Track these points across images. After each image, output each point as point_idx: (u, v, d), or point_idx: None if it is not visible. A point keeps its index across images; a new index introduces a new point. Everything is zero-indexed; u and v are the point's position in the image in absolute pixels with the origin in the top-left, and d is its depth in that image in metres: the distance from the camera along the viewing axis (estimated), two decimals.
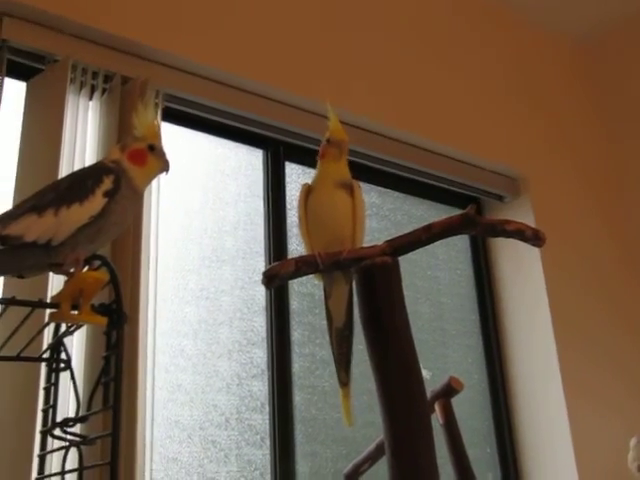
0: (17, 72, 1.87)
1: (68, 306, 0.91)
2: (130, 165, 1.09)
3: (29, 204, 1.01)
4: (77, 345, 1.59)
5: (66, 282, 0.96)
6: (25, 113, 1.83)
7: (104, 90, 1.92)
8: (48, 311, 0.93)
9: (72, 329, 0.98)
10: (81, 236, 1.00)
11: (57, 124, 1.77)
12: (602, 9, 3.23)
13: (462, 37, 2.96)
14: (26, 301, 0.91)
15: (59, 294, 0.92)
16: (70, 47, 1.87)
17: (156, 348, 1.82)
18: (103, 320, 0.90)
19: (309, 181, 1.34)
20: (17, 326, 0.95)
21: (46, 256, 0.98)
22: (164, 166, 1.15)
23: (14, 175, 1.73)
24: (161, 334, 1.95)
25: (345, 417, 1.30)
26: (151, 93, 1.91)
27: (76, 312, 0.90)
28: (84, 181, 1.03)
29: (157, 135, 1.14)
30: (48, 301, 0.92)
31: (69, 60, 1.83)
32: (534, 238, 1.19)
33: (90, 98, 1.91)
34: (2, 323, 0.98)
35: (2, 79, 1.74)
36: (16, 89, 1.87)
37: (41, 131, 1.79)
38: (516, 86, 3.09)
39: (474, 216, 1.18)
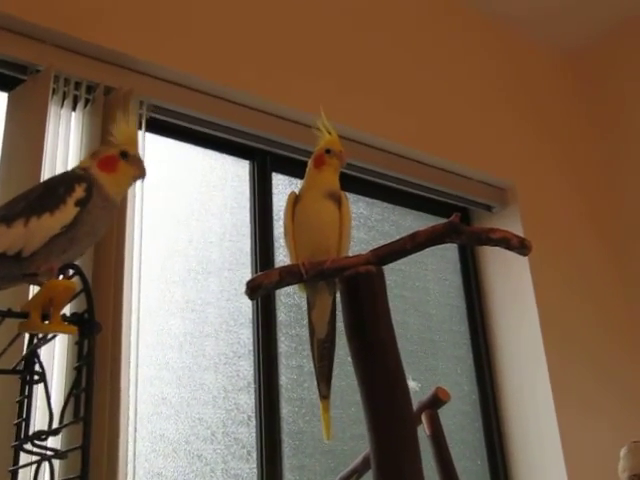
0: None
1: (38, 315, 0.88)
2: (99, 172, 1.07)
3: None
4: (56, 356, 1.56)
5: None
6: (7, 124, 1.81)
7: (87, 101, 1.90)
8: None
9: (45, 340, 0.96)
10: (53, 246, 0.97)
11: (39, 135, 1.75)
12: (592, 21, 3.25)
13: (451, 48, 2.96)
14: None
15: (29, 303, 0.90)
16: (52, 57, 1.85)
17: (141, 361, 1.80)
18: (73, 329, 0.88)
19: (297, 190, 1.33)
20: None
21: (17, 267, 0.96)
22: (139, 173, 1.12)
23: None
24: (146, 347, 1.92)
25: (324, 431, 1.29)
26: (134, 103, 1.89)
27: (47, 322, 0.88)
28: (55, 190, 1.01)
29: (132, 142, 1.12)
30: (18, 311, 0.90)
31: (51, 70, 1.81)
32: (520, 246, 1.17)
33: (73, 109, 1.89)
34: None
35: None
36: None
37: (23, 142, 1.77)
38: (504, 96, 3.09)
39: (458, 224, 1.17)
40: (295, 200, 1.31)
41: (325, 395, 1.30)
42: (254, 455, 2.05)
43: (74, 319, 0.88)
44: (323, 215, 1.28)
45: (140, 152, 1.83)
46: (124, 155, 1.10)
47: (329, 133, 1.33)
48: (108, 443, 1.50)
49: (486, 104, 3.00)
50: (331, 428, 1.28)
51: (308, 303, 1.31)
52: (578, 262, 3.01)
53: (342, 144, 1.32)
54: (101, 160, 1.09)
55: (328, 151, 1.30)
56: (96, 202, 1.03)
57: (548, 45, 3.39)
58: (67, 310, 0.92)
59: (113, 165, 1.08)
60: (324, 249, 1.26)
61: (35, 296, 0.91)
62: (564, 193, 3.13)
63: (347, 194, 2.56)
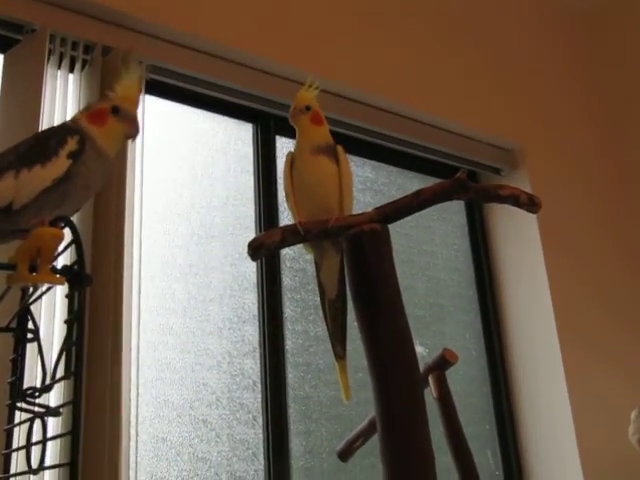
0: None
1: (25, 267, 0.85)
2: (88, 124, 1.04)
3: None
4: (57, 313, 1.54)
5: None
6: (2, 86, 1.76)
7: (84, 62, 1.85)
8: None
9: (37, 295, 0.93)
10: (45, 200, 0.94)
11: (36, 98, 1.71)
12: None
13: (457, 10, 2.89)
14: None
15: (16, 254, 0.87)
16: (48, 16, 1.80)
17: (144, 326, 1.78)
18: (61, 280, 0.85)
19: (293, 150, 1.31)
20: None
21: (7, 221, 0.93)
22: (130, 131, 1.09)
23: None
24: (149, 311, 1.90)
25: (343, 391, 1.28)
26: (133, 63, 1.84)
27: (34, 274, 0.85)
28: (47, 142, 0.98)
29: (129, 99, 1.08)
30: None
31: (47, 29, 1.76)
32: (529, 203, 1.14)
33: (70, 70, 1.84)
34: None
35: None
36: None
37: (19, 105, 1.72)
38: (512, 58, 3.03)
39: (465, 180, 1.14)
40: (292, 160, 1.28)
41: (341, 355, 1.29)
42: (260, 420, 2.04)
43: (64, 271, 0.85)
44: (318, 173, 1.25)
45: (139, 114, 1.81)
46: (115, 110, 1.06)
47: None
48: (110, 408, 1.48)
49: (494, 66, 2.93)
50: (349, 388, 1.26)
51: (316, 264, 1.30)
52: (587, 224, 2.97)
53: (309, 99, 1.31)
54: (90, 113, 1.05)
55: (308, 108, 1.29)
56: (89, 155, 1.00)
57: (559, 7, 3.31)
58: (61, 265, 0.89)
59: (102, 118, 1.05)
60: (325, 207, 1.23)
61: (22, 246, 0.88)
62: (572, 155, 3.08)
63: (353, 157, 2.52)
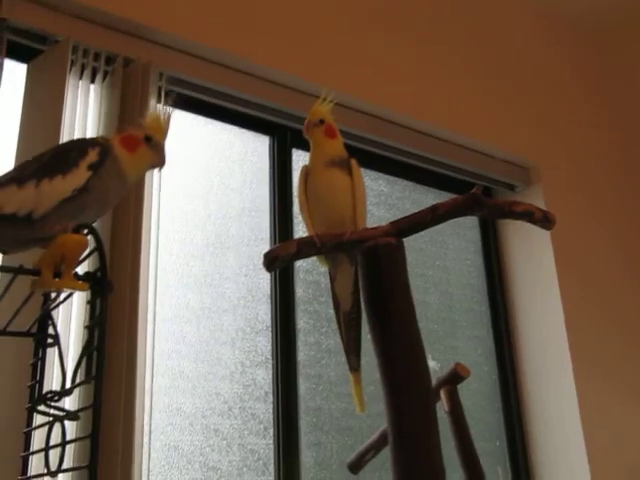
0: (18, 53, 1.84)
1: (50, 272, 0.87)
2: (119, 146, 1.06)
3: (10, 175, 0.98)
4: (73, 319, 1.56)
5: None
6: (25, 96, 1.80)
7: (106, 73, 1.89)
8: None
9: (59, 301, 0.95)
10: (64, 210, 0.96)
11: (57, 107, 1.74)
12: None
13: (474, 26, 2.91)
14: (5, 267, 0.88)
15: (40, 260, 0.89)
16: (71, 28, 1.84)
17: (159, 334, 1.79)
18: (84, 286, 0.87)
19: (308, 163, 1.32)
20: (0, 295, 0.92)
21: (28, 230, 0.95)
22: (158, 161, 1.11)
23: (13, 159, 1.70)
24: (163, 320, 1.92)
25: (357, 404, 1.28)
26: (153, 77, 1.87)
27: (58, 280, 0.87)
28: (68, 153, 1.00)
29: (161, 130, 1.11)
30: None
31: (70, 41, 1.79)
32: (543, 220, 1.15)
33: (92, 81, 1.87)
34: None
35: (2, 60, 1.71)
36: (17, 71, 1.84)
37: (41, 114, 1.75)
38: (527, 75, 3.04)
39: (480, 197, 1.14)
40: (306, 174, 1.30)
41: (355, 367, 1.29)
42: (271, 431, 2.05)
43: (86, 277, 0.87)
44: (332, 186, 1.26)
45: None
46: (148, 139, 1.09)
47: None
48: (124, 414, 1.50)
49: (509, 82, 2.95)
50: (364, 400, 1.27)
51: (330, 275, 1.31)
52: (602, 241, 2.97)
53: (323, 113, 1.31)
54: (124, 137, 1.08)
55: (322, 121, 1.29)
56: (109, 170, 1.02)
57: (573, 23, 3.31)
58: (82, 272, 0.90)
59: (134, 145, 1.07)
60: (339, 220, 1.24)
61: (46, 252, 0.90)
62: (587, 173, 3.08)
63: (368, 171, 2.54)
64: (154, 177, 1.84)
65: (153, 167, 1.14)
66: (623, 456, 2.48)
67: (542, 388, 2.68)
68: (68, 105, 1.78)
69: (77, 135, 1.76)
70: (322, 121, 1.30)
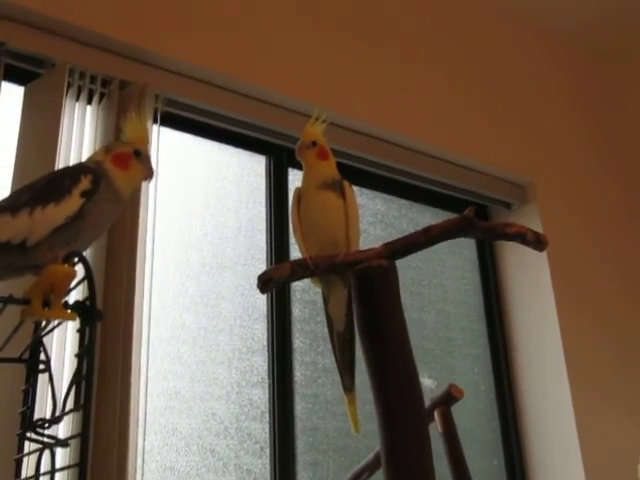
0: (15, 76, 1.87)
1: (39, 302, 0.88)
2: (113, 167, 1.07)
3: (4, 204, 0.99)
4: (67, 346, 1.56)
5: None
6: (22, 118, 1.81)
7: (102, 95, 1.90)
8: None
9: (49, 328, 0.95)
10: (58, 237, 0.97)
11: (54, 129, 1.76)
12: (613, 14, 3.19)
13: (467, 44, 2.93)
14: None
15: (30, 289, 0.90)
16: (68, 51, 1.86)
17: (154, 355, 1.80)
18: (73, 316, 0.88)
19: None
20: None
21: (22, 257, 0.96)
22: (147, 173, 1.13)
23: (10, 181, 1.71)
24: (159, 341, 1.92)
25: (352, 424, 1.28)
26: (149, 97, 1.89)
27: (47, 309, 0.88)
28: (61, 181, 1.01)
29: (145, 141, 1.12)
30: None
31: (67, 64, 1.81)
32: (536, 241, 1.15)
33: (88, 102, 1.89)
34: None
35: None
36: (14, 93, 1.86)
37: (38, 137, 1.77)
38: (523, 93, 3.06)
39: (472, 218, 1.15)
40: (299, 196, 1.30)
41: (350, 388, 1.28)
42: (267, 451, 2.04)
43: (75, 306, 0.88)
44: (325, 208, 1.27)
45: (154, 146, 1.84)
46: (137, 154, 1.10)
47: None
48: (118, 436, 1.50)
49: (503, 101, 2.96)
50: (359, 421, 1.26)
51: (324, 297, 1.31)
52: (598, 259, 2.97)
53: (315, 135, 1.31)
54: (115, 156, 1.08)
55: (314, 143, 1.30)
56: (103, 194, 1.03)
57: (568, 40, 3.34)
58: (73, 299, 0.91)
59: (127, 163, 1.09)
60: (332, 243, 1.25)
61: (36, 282, 0.90)
62: (583, 192, 3.09)
63: (364, 190, 2.54)
64: (149, 197, 1.85)
65: (144, 180, 1.15)
66: (620, 472, 2.47)
67: (539, 406, 2.68)
68: (65, 127, 1.79)
69: (74, 156, 1.78)
70: (314, 143, 1.31)
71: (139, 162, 1.10)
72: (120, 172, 1.07)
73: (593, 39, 3.34)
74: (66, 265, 0.92)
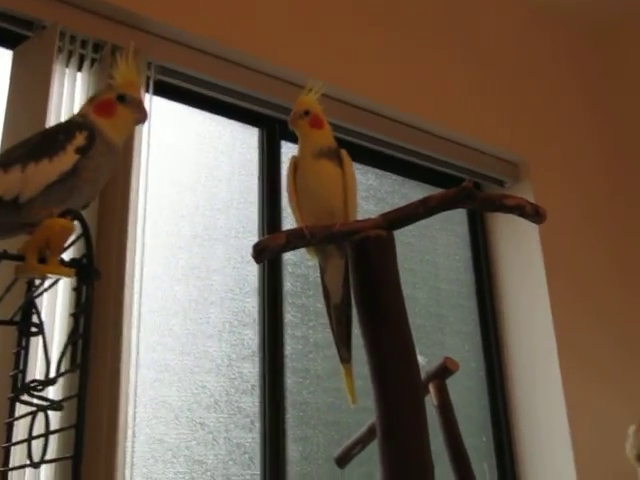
0: (3, 39, 1.82)
1: (34, 258, 0.85)
2: (97, 117, 1.04)
3: None
4: (58, 307, 1.53)
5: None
6: (11, 82, 1.76)
7: (93, 60, 1.86)
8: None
9: (43, 288, 0.93)
10: (52, 194, 0.94)
11: (43, 95, 1.71)
12: None
13: (463, 19, 2.90)
14: None
15: (25, 245, 0.87)
16: (59, 13, 1.80)
17: (144, 326, 1.77)
18: (70, 272, 0.85)
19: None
20: None
21: (15, 215, 0.93)
22: (138, 117, 1.09)
23: None
24: (149, 312, 1.90)
25: (349, 395, 1.27)
26: (142, 63, 1.84)
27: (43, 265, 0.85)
28: (55, 137, 0.98)
29: (131, 84, 1.08)
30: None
31: (57, 26, 1.76)
32: (534, 214, 1.14)
33: (79, 68, 1.84)
34: None
35: None
36: (2, 57, 1.81)
37: (27, 102, 1.72)
38: (518, 70, 3.03)
39: (471, 189, 1.13)
40: (295, 165, 1.28)
41: (346, 359, 1.27)
42: (257, 425, 2.03)
43: (72, 263, 0.85)
44: (322, 177, 1.25)
45: (146, 105, 1.80)
46: (121, 98, 1.06)
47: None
48: (108, 407, 1.48)
49: (500, 78, 2.94)
50: (355, 392, 1.25)
51: (320, 267, 1.29)
52: (588, 238, 2.97)
53: (308, 103, 1.29)
54: (97, 105, 1.05)
55: (307, 112, 1.28)
56: (98, 149, 1.00)
57: (564, 20, 3.31)
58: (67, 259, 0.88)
59: (110, 109, 1.05)
60: (329, 212, 1.23)
61: (31, 237, 0.87)
62: (576, 169, 3.08)
63: (357, 165, 2.52)
64: (141, 167, 1.81)
65: (136, 124, 1.12)
66: (608, 453, 2.49)
67: (529, 384, 2.68)
68: (54, 92, 1.75)
69: None
70: (307, 112, 1.29)
71: (126, 107, 1.06)
72: (105, 121, 1.04)
73: (590, 17, 3.31)
74: (63, 219, 0.89)
